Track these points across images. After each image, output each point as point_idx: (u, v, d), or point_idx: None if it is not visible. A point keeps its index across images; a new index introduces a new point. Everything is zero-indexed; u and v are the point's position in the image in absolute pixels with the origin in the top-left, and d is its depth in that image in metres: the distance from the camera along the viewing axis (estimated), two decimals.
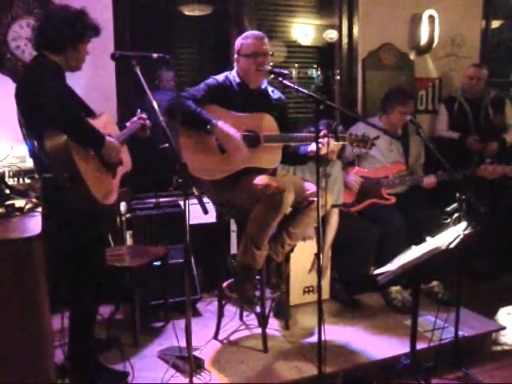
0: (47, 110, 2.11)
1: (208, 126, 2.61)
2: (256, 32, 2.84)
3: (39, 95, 2.11)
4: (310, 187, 2.79)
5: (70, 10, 2.32)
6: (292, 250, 3.03)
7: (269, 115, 2.82)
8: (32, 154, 2.31)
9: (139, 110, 2.70)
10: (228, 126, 2.66)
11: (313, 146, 2.78)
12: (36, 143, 2.23)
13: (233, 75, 2.86)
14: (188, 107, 2.61)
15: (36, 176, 2.35)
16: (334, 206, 3.35)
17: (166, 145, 3.03)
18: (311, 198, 2.73)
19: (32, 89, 2.16)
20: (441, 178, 3.49)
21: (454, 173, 3.20)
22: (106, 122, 2.45)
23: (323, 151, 2.58)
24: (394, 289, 3.38)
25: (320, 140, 2.38)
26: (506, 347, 3.15)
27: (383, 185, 3.60)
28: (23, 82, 2.28)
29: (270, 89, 2.94)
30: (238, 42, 2.82)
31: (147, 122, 2.66)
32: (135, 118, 2.67)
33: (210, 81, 2.81)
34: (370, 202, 3.60)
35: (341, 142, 2.85)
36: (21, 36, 3.19)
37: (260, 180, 2.64)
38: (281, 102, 2.97)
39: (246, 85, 2.83)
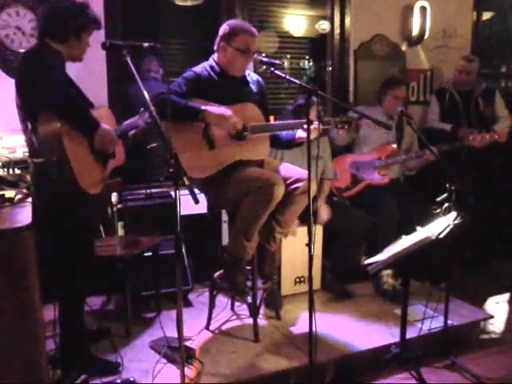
0: (45, 92, 2.14)
1: (199, 115, 2.59)
2: (250, 26, 2.76)
3: (39, 78, 2.15)
4: (295, 174, 2.77)
5: (73, 1, 2.39)
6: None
7: (252, 104, 2.80)
8: (26, 137, 2.34)
9: (142, 109, 2.68)
10: (215, 107, 2.63)
11: (300, 133, 2.79)
12: (30, 126, 2.25)
13: (210, 64, 2.80)
14: (173, 101, 2.57)
15: (28, 160, 2.36)
16: (327, 179, 3.46)
17: (154, 144, 3.04)
18: (295, 185, 2.73)
19: (33, 72, 2.20)
20: (440, 150, 3.43)
21: (444, 145, 3.18)
22: (103, 114, 2.46)
23: (313, 137, 2.57)
24: (385, 272, 3.40)
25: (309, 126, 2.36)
26: (493, 336, 3.20)
27: (376, 166, 3.61)
28: (26, 65, 2.30)
29: (246, 72, 2.89)
30: (229, 28, 2.72)
31: (146, 120, 2.65)
32: (135, 118, 2.67)
33: (188, 74, 2.74)
34: (365, 185, 3.62)
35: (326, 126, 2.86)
36: (10, 25, 3.15)
37: (251, 173, 2.63)
38: (259, 84, 2.94)
39: (226, 73, 2.78)
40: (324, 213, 3.43)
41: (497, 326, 3.29)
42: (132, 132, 2.65)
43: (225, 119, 2.62)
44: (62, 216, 2.34)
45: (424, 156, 3.56)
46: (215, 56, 2.82)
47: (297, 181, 2.72)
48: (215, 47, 2.80)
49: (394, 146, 3.68)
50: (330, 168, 3.56)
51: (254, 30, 2.76)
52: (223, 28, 2.75)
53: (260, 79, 2.96)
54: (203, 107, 2.60)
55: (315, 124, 2.63)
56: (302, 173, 2.71)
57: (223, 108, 2.65)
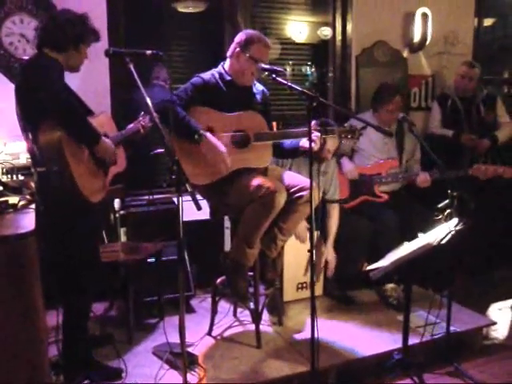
0: (47, 103, 2.15)
1: (196, 136, 2.60)
2: (266, 38, 2.78)
3: (40, 88, 2.15)
4: (299, 182, 2.78)
5: (73, 12, 2.40)
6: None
7: (257, 113, 2.81)
8: (29, 147, 2.34)
9: (142, 113, 2.69)
10: (215, 138, 2.65)
11: (304, 142, 2.80)
12: (31, 136, 2.26)
13: (219, 71, 2.81)
14: (177, 114, 2.58)
15: (32, 170, 2.37)
16: (333, 202, 3.40)
17: (159, 150, 3.03)
18: (299, 194, 2.74)
19: (33, 82, 2.21)
20: (434, 177, 3.51)
21: (447, 172, 3.21)
22: (103, 122, 2.48)
23: (315, 147, 2.59)
24: (389, 286, 3.40)
25: (312, 136, 2.37)
26: (496, 342, 3.18)
27: (376, 182, 3.62)
28: (25, 75, 2.31)
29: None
30: (246, 37, 2.73)
31: (147, 125, 2.66)
32: (135, 122, 2.67)
33: (196, 80, 2.76)
34: (363, 199, 3.62)
35: (336, 140, 2.87)
36: (14, 32, 3.18)
37: (253, 181, 2.64)
38: (264, 94, 2.96)
39: (234, 82, 2.80)
40: (330, 257, 3.38)
41: (500, 332, 3.28)
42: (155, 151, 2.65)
43: (217, 154, 2.63)
44: (66, 223, 2.35)
45: (418, 177, 3.56)
46: (226, 63, 2.84)
47: (301, 189, 2.73)
48: (229, 53, 2.81)
49: (395, 161, 3.68)
50: (336, 188, 3.43)
51: (269, 41, 2.78)
52: (240, 36, 2.78)
53: (265, 90, 2.98)
54: (202, 132, 2.61)
55: (317, 134, 2.65)
56: (306, 181, 2.71)
57: (220, 143, 2.65)
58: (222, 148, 2.65)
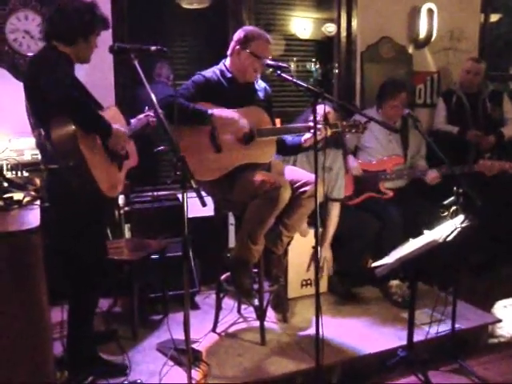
0: (55, 97, 2.10)
1: (206, 119, 2.61)
2: (266, 34, 2.78)
3: (48, 82, 2.11)
4: (302, 177, 2.77)
5: (81, 1, 2.34)
6: (289, 243, 3.03)
7: (260, 109, 2.81)
8: (38, 144, 2.32)
9: (147, 107, 2.68)
10: (222, 110, 2.66)
11: (306, 136, 2.79)
12: (43, 132, 2.23)
13: (221, 69, 2.81)
14: (180, 105, 2.58)
15: (42, 167, 2.35)
16: (335, 200, 3.37)
17: (161, 147, 3.05)
18: (302, 189, 2.73)
19: (41, 76, 2.16)
20: (443, 173, 3.49)
21: (455, 167, 3.19)
22: (112, 115, 2.45)
23: (319, 138, 2.58)
24: (394, 283, 3.39)
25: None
26: (501, 340, 3.17)
27: (381, 178, 3.60)
28: (32, 70, 2.28)
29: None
30: (245, 34, 2.73)
31: (153, 119, 2.65)
32: (141, 116, 2.67)
33: (197, 77, 2.75)
34: (368, 196, 3.61)
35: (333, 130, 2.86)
36: (18, 28, 3.18)
37: (257, 176, 2.64)
38: (266, 91, 2.95)
39: (235, 79, 2.80)
40: (328, 256, 3.36)
41: (505, 329, 3.27)
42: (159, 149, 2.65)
43: (232, 123, 2.64)
44: (79, 220, 2.32)
45: (426, 175, 3.54)
46: (227, 61, 2.83)
47: (304, 184, 2.72)
48: (229, 52, 2.81)
49: (399, 157, 3.67)
50: (341, 187, 3.39)
51: (269, 37, 2.77)
52: (239, 33, 2.77)
53: (267, 87, 2.98)
54: (210, 111, 2.62)
55: (321, 127, 2.64)
56: (310, 176, 2.71)
57: (230, 111, 2.66)
58: (235, 114, 2.67)
